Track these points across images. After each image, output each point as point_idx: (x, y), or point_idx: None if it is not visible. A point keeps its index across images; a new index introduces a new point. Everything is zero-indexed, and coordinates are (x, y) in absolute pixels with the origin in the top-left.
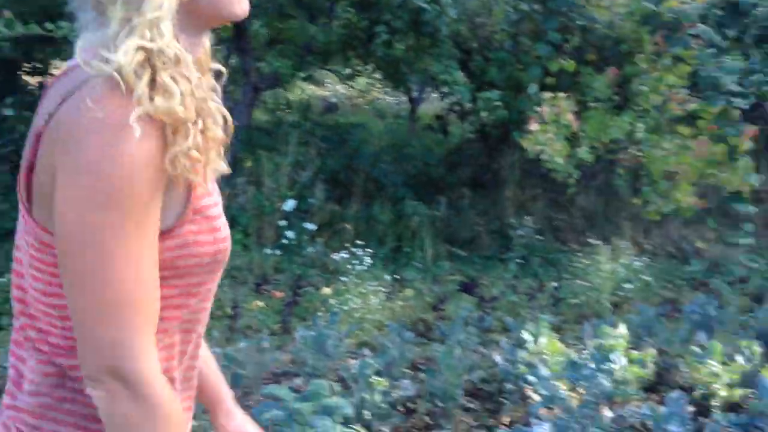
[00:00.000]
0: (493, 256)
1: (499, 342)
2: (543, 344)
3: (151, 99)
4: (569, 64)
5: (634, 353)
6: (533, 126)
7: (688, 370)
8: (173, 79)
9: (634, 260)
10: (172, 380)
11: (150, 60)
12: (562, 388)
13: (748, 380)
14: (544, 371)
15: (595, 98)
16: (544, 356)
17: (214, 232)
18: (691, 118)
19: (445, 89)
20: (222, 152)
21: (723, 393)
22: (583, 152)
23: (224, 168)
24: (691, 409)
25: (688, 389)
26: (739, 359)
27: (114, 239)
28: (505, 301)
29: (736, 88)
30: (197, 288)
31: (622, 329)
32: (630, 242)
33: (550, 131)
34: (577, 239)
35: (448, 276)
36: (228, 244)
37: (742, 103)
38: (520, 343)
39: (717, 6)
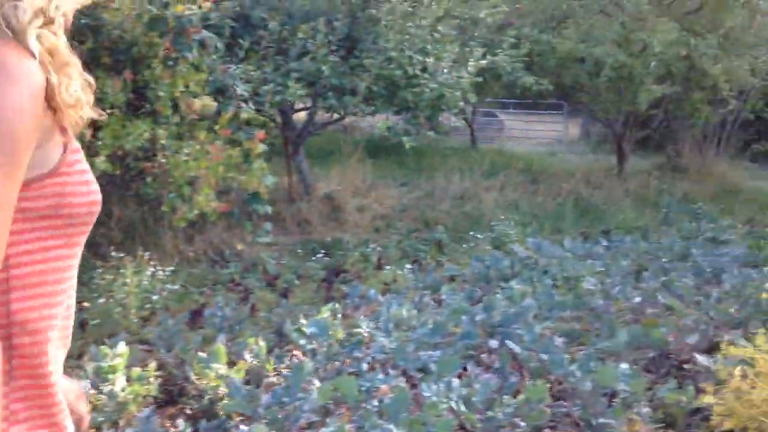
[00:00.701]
0: None
1: None
2: None
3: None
4: None
5: (136, 370)
6: None
7: (198, 377)
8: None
9: (158, 270)
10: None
11: (44, 10)
12: None
13: (254, 378)
14: None
15: (111, 104)
16: None
17: (88, 185)
18: (209, 123)
19: None
20: (91, 100)
21: (244, 391)
22: (101, 162)
23: (93, 114)
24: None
25: (199, 396)
26: (248, 357)
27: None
28: None
29: (245, 95)
30: (76, 238)
31: (122, 348)
32: (173, 251)
33: None
34: (114, 254)
35: None
36: (100, 198)
37: (252, 109)
38: None
39: (229, 16)
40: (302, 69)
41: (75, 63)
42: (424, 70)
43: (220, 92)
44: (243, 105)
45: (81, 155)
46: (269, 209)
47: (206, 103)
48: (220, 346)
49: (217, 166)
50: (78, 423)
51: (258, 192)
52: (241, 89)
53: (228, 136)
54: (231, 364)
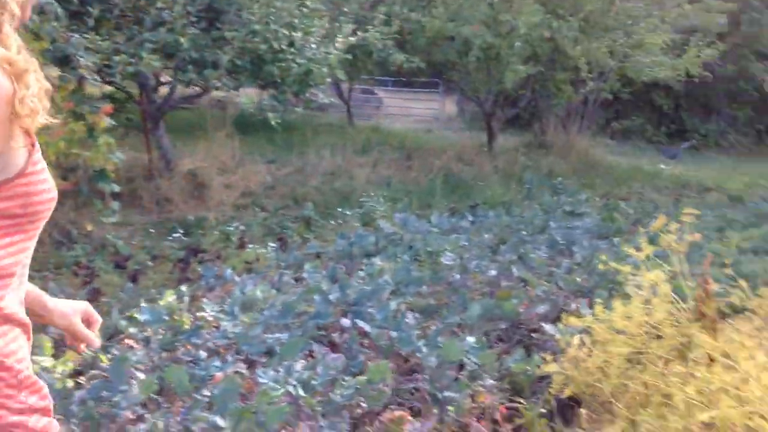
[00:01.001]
0: None
1: None
2: None
3: None
4: None
5: None
6: None
7: None
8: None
9: None
10: (11, 315)
11: None
12: None
13: (87, 370)
14: None
15: None
16: None
17: (47, 182)
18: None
19: None
20: (48, 103)
21: (58, 386)
22: None
23: (47, 120)
24: None
25: None
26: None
27: None
28: None
29: (92, 65)
30: (34, 232)
31: None
32: None
33: None
34: None
35: None
36: (56, 193)
37: (98, 82)
38: None
39: None
40: (158, 40)
41: (33, 68)
42: (291, 44)
43: (62, 62)
44: (88, 77)
45: (40, 153)
46: (116, 187)
47: (57, 74)
48: (46, 338)
49: (58, 141)
50: (87, 342)
51: (104, 169)
52: (87, 60)
53: (71, 109)
54: (62, 354)
